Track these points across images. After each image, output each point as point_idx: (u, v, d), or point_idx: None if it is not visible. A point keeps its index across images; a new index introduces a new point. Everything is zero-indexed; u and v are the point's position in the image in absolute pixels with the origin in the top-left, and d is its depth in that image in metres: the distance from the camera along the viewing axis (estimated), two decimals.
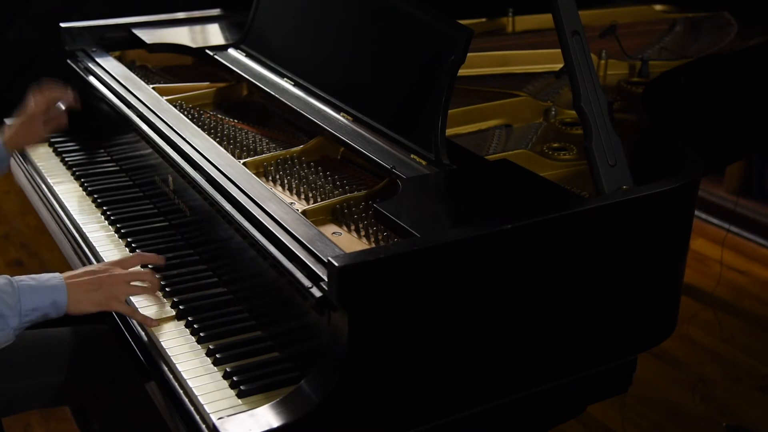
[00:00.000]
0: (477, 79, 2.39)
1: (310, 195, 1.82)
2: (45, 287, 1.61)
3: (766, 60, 2.66)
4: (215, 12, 2.81)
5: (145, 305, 1.73)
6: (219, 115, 2.22)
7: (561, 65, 1.78)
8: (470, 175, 1.75)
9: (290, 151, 1.98)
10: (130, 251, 1.94)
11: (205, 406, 1.45)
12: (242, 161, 1.87)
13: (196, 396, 1.48)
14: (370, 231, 1.66)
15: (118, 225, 2.04)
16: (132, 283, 1.69)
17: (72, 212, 2.13)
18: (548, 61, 2.47)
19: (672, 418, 2.76)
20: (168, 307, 1.72)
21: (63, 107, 2.20)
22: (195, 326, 1.65)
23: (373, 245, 1.64)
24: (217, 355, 1.56)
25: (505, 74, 2.46)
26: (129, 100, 2.20)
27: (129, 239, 1.97)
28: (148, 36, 2.58)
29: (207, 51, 2.46)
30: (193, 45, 2.53)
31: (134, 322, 1.71)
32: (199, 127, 2.04)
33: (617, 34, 2.53)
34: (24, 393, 1.82)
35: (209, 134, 2.04)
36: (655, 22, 3.03)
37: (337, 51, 2.08)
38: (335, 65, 2.08)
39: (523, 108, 2.21)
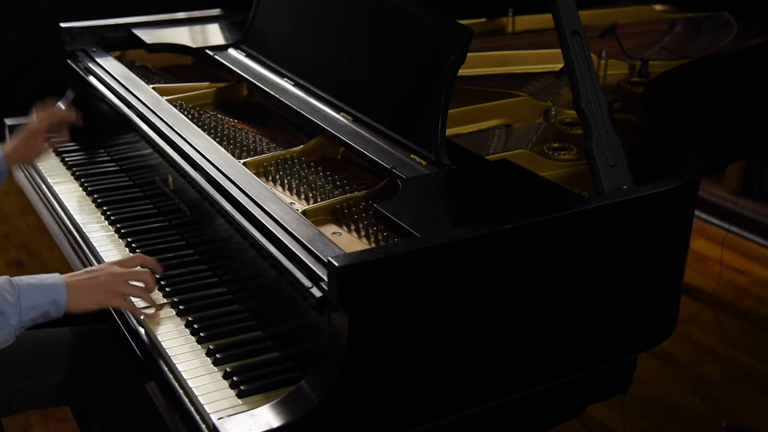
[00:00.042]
0: (477, 79, 2.39)
1: (310, 195, 1.82)
2: (45, 285, 1.61)
3: (766, 60, 2.66)
4: (215, 12, 2.81)
5: (142, 306, 1.72)
6: (219, 115, 2.22)
7: (561, 65, 1.78)
8: (470, 175, 1.75)
9: (290, 151, 1.98)
10: (130, 251, 1.94)
11: (205, 406, 1.45)
12: (242, 161, 1.87)
13: (196, 396, 1.48)
14: (370, 231, 1.66)
15: (118, 225, 2.04)
16: (131, 283, 1.69)
17: (72, 212, 2.13)
18: (548, 61, 2.47)
19: (672, 418, 2.76)
20: (168, 307, 1.72)
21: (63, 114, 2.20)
22: (195, 326, 1.65)
23: (373, 245, 1.64)
24: (217, 355, 1.56)
25: (505, 74, 2.46)
26: (129, 100, 2.20)
27: (129, 239, 1.97)
28: (148, 36, 2.58)
29: (207, 51, 2.46)
30: (193, 45, 2.53)
31: (134, 321, 1.71)
32: (199, 127, 2.04)
33: (617, 34, 2.53)
34: (24, 393, 1.82)
35: (209, 134, 2.04)
36: (655, 22, 3.03)
37: (337, 51, 2.08)
38: (335, 65, 2.08)
39: (523, 108, 2.21)
